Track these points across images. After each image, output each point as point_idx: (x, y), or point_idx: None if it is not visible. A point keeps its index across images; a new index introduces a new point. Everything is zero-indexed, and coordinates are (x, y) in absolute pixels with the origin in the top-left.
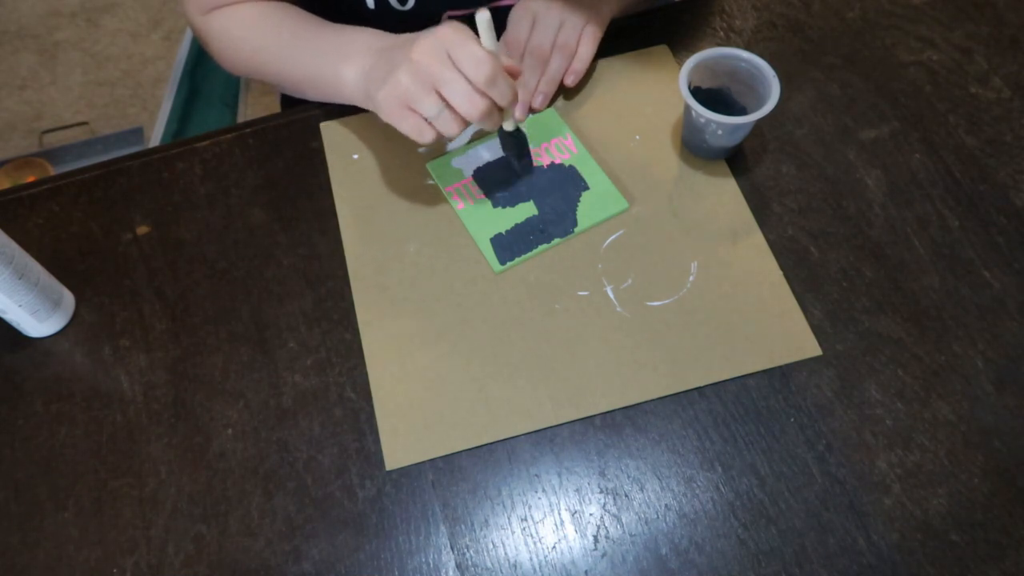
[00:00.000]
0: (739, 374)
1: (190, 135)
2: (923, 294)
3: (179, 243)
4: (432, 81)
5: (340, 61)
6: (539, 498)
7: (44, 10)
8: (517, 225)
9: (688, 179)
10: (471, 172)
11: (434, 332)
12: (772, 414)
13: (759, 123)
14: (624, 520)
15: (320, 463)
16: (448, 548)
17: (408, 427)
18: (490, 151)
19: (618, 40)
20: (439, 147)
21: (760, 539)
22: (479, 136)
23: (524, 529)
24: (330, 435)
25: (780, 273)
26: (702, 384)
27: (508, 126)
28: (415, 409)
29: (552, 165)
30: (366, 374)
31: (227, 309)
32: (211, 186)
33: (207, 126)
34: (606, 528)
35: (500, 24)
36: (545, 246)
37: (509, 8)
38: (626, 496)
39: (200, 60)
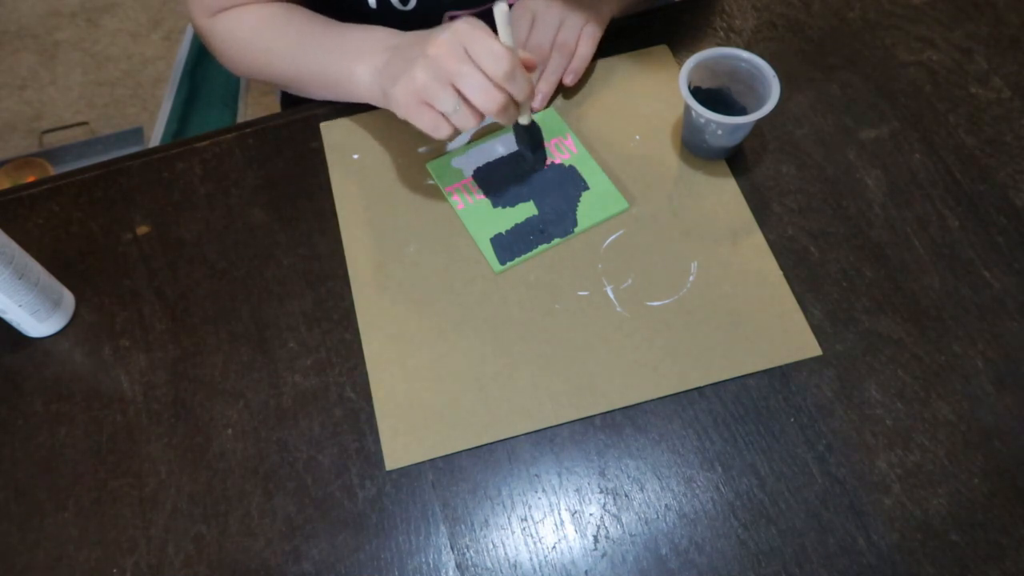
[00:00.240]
0: (739, 374)
1: (190, 135)
2: (923, 294)
3: (179, 243)
4: (449, 76)
5: (353, 59)
6: (539, 498)
7: (44, 10)
8: (517, 225)
9: (688, 179)
10: (471, 172)
11: (434, 332)
12: (772, 414)
13: (759, 123)
14: (624, 520)
15: (320, 463)
16: (448, 548)
17: (408, 427)
18: (490, 151)
19: (618, 40)
20: (439, 147)
21: (760, 539)
22: (479, 136)
23: (524, 529)
24: (330, 435)
25: (780, 273)
26: (702, 384)
27: (523, 120)
28: (415, 409)
29: (552, 165)
30: (366, 374)
31: (227, 309)
32: (211, 186)
33: (207, 126)
34: (606, 528)
35: None
36: (545, 246)
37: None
38: (626, 496)
39: (200, 60)
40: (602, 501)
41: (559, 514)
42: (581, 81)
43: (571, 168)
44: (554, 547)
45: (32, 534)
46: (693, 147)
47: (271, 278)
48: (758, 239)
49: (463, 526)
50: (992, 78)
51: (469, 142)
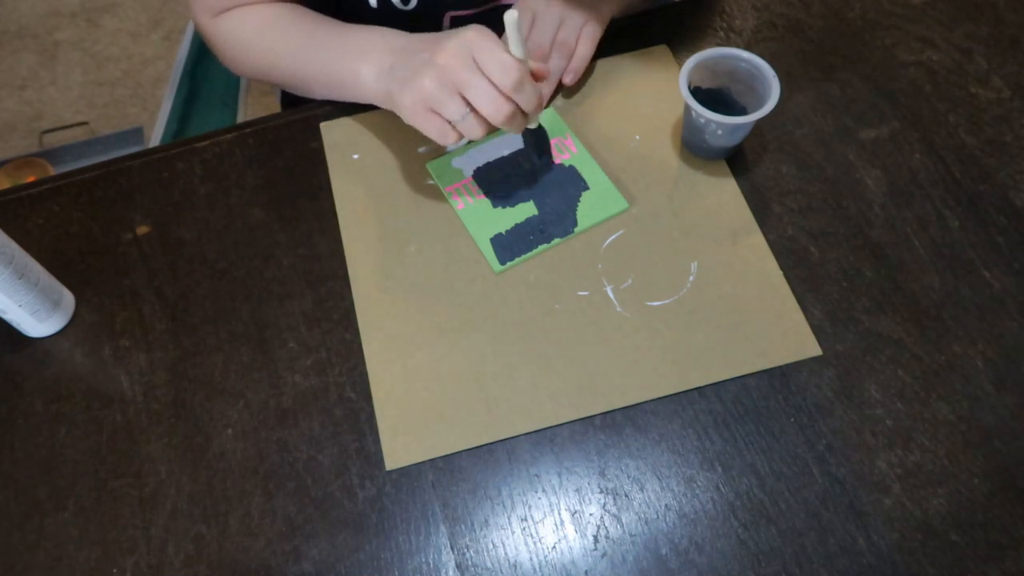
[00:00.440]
0: (739, 374)
1: (190, 135)
2: (923, 294)
3: (179, 243)
4: (457, 85)
5: (357, 59)
6: (539, 498)
7: (44, 10)
8: (517, 225)
9: (688, 179)
10: (471, 172)
11: (434, 332)
12: (772, 414)
13: (759, 123)
14: (624, 520)
15: (320, 463)
16: (448, 548)
17: (408, 427)
18: (490, 151)
19: (618, 40)
20: (439, 147)
21: (760, 539)
22: None
23: (524, 529)
24: (330, 435)
25: (780, 273)
26: (702, 384)
27: (531, 124)
28: (415, 409)
29: (552, 165)
30: (366, 374)
31: (227, 309)
32: (211, 186)
33: (207, 126)
34: (606, 528)
35: (499, 23)
36: (545, 246)
37: (509, 7)
38: (626, 496)
39: (200, 60)
40: (602, 501)
41: (559, 514)
42: (581, 81)
43: (571, 168)
44: (554, 547)
45: (32, 534)
46: (693, 147)
47: (271, 278)
48: (758, 239)
49: (463, 526)
50: (992, 78)
51: (469, 142)
